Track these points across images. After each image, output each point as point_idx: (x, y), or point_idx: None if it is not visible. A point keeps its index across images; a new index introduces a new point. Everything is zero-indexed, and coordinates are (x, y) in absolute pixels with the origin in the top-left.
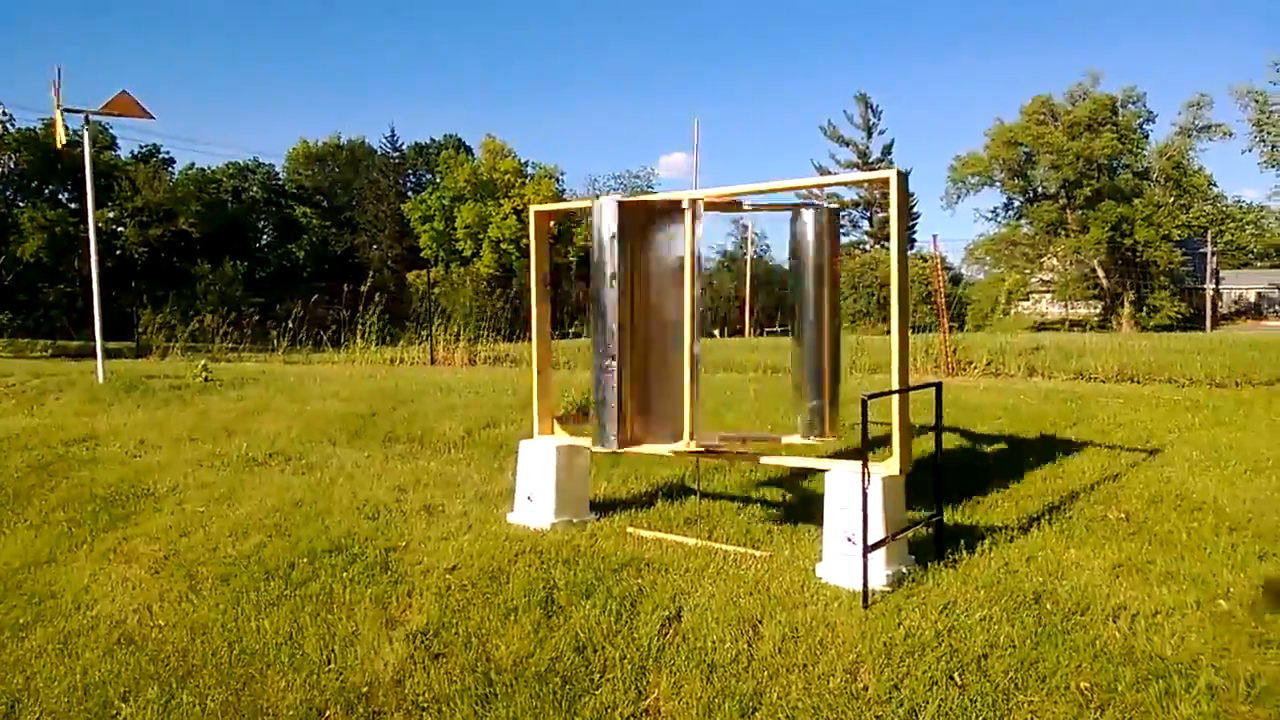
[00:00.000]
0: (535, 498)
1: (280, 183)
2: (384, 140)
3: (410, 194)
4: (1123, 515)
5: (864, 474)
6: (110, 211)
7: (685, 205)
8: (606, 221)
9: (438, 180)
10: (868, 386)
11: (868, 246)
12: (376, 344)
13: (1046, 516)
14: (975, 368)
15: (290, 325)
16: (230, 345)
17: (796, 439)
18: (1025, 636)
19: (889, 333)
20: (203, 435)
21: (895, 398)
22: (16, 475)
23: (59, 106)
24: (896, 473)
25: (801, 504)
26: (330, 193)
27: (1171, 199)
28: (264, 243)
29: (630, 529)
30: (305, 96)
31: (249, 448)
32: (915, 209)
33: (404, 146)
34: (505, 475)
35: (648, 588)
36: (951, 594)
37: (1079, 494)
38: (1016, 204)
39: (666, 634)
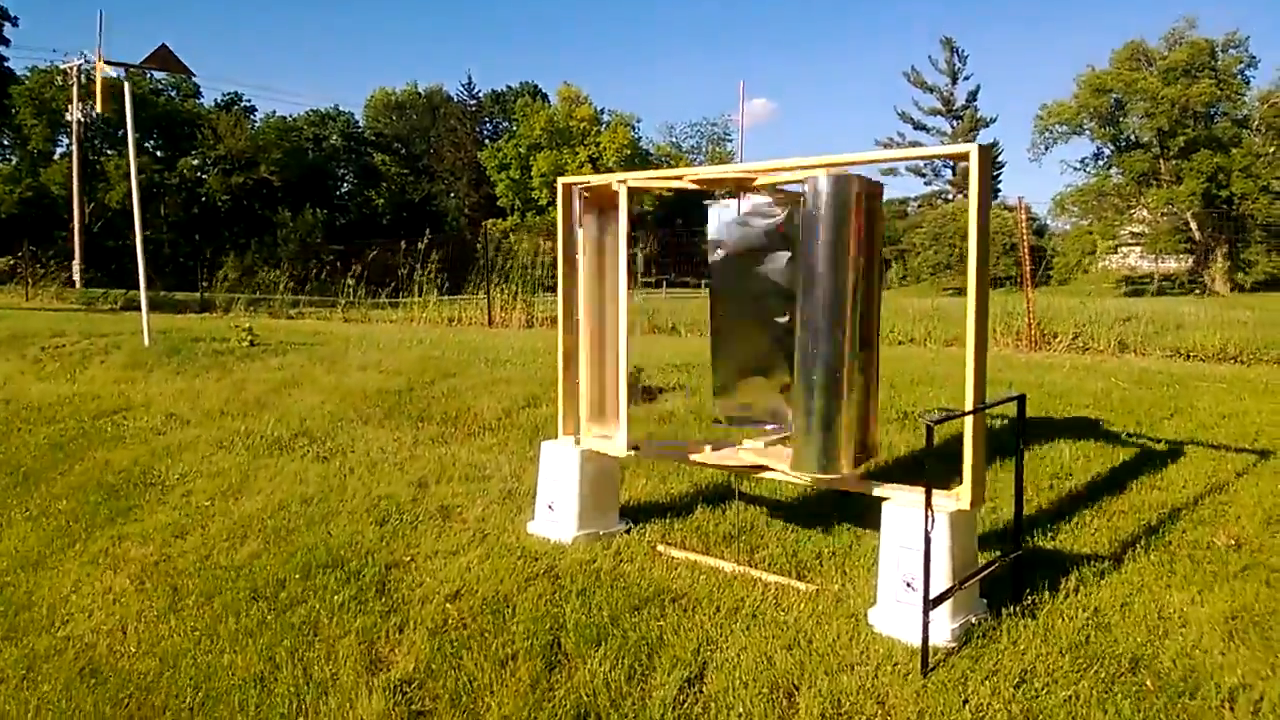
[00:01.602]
0: (557, 507)
1: (360, 130)
2: (461, 88)
3: (487, 142)
4: (1232, 542)
5: (927, 515)
6: (194, 159)
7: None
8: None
9: (514, 128)
10: (943, 364)
11: (950, 196)
12: (440, 296)
13: (1143, 541)
14: (1060, 341)
15: (351, 281)
16: (293, 300)
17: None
18: None
19: (966, 305)
20: (234, 409)
21: (969, 420)
22: (34, 454)
23: (100, 59)
24: (968, 507)
25: (860, 516)
26: (408, 140)
27: (1273, 148)
28: (344, 190)
29: (661, 546)
30: (383, 44)
31: (276, 426)
32: (1000, 158)
33: (481, 94)
34: (535, 467)
35: (670, 634)
36: (1030, 658)
37: (1180, 511)
38: (1106, 154)
39: (685, 701)
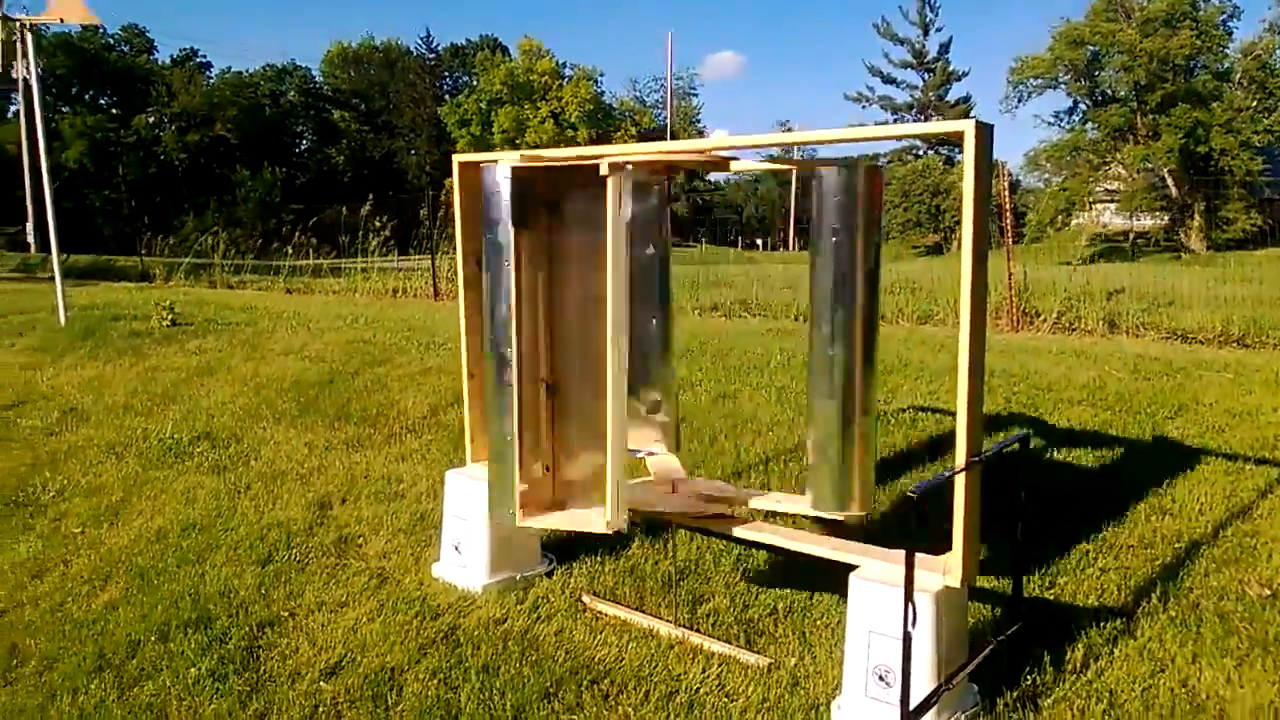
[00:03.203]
0: (465, 550)
1: (317, 86)
2: (419, 41)
3: (447, 97)
4: (1267, 591)
5: (908, 609)
6: (150, 117)
7: (604, 170)
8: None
9: (474, 83)
10: (917, 347)
11: (921, 152)
12: (398, 258)
13: (1158, 590)
14: (1045, 320)
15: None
16: (235, 265)
17: (804, 506)
18: None
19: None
20: (140, 403)
21: (960, 479)
22: None
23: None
24: (958, 584)
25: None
26: (367, 96)
27: (1254, 102)
28: (303, 148)
29: (586, 597)
30: None
31: (179, 425)
32: (973, 114)
33: (439, 48)
34: None
35: None
36: None
37: (1200, 547)
38: (1082, 108)
39: None
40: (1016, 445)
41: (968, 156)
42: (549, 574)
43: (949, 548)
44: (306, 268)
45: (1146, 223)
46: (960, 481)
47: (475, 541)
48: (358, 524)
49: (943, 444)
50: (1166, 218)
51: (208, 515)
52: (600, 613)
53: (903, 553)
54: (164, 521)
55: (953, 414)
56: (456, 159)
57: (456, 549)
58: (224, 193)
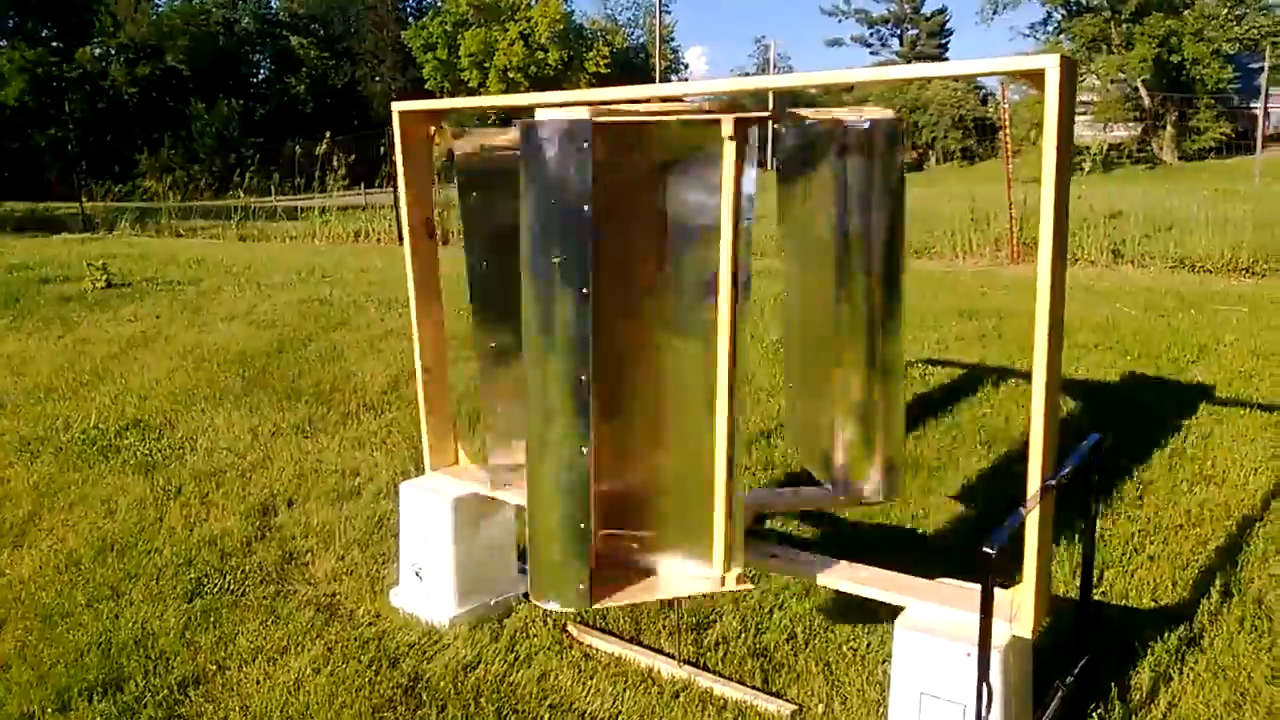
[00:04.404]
0: (427, 576)
1: (274, 11)
2: None
3: (410, 20)
4: None
5: (983, 690)
6: (95, 49)
7: (728, 130)
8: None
9: (439, 4)
10: (917, 289)
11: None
12: (363, 193)
13: (1216, 582)
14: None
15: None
16: (183, 211)
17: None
18: None
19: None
20: (65, 383)
21: (1032, 517)
22: None
23: None
24: (1028, 635)
25: (836, 545)
26: (326, 21)
27: (1225, 9)
28: (260, 78)
29: (573, 627)
30: None
31: (106, 412)
32: (948, 25)
33: None
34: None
35: None
36: None
37: (1252, 524)
38: (1056, 19)
39: None
40: (1090, 453)
41: (1050, 104)
42: (528, 594)
43: (1020, 580)
44: (263, 210)
45: (1120, 134)
46: (1031, 523)
47: (439, 566)
48: (305, 536)
49: (960, 405)
50: (1140, 129)
51: (129, 532)
52: (589, 648)
53: (956, 587)
54: (77, 542)
55: (966, 366)
56: (397, 108)
57: (418, 575)
58: (179, 128)
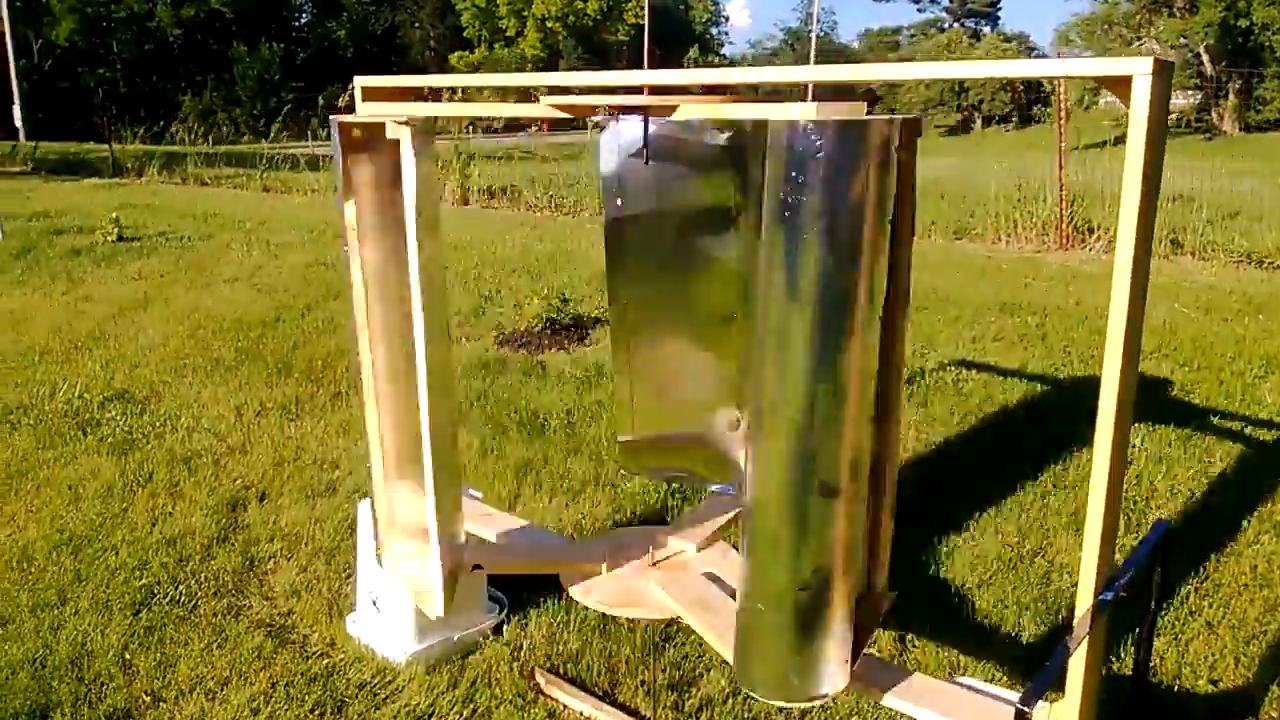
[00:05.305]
0: (384, 606)
1: None
2: None
3: None
4: None
5: None
6: None
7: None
8: None
9: None
10: (949, 272)
11: (945, 25)
12: None
13: None
14: (1098, 238)
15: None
16: (209, 158)
17: None
18: None
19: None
20: (61, 345)
21: (1084, 621)
22: None
23: None
24: None
25: None
26: None
27: None
28: (302, 22)
29: (543, 679)
30: None
31: (94, 381)
32: None
33: None
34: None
35: None
36: None
37: None
38: None
39: None
40: (1155, 547)
41: (1136, 119)
42: (497, 629)
43: (1063, 696)
44: (287, 159)
45: (1180, 102)
46: (1079, 632)
47: (397, 599)
48: (271, 539)
49: (999, 420)
50: (1199, 97)
51: (90, 525)
52: (560, 705)
53: (978, 700)
54: (36, 534)
55: (1006, 374)
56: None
57: (374, 604)
58: (222, 70)
